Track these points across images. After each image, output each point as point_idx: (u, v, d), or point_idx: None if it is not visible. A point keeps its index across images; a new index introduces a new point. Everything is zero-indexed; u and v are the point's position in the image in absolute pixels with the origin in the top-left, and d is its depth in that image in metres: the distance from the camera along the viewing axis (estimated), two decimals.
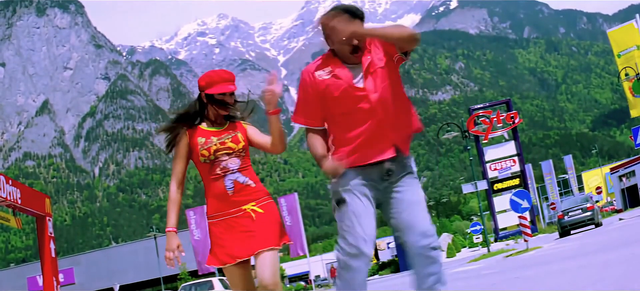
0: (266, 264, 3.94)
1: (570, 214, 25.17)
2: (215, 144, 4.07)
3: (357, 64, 3.69)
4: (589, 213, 25.04)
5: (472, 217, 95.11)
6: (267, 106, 3.95)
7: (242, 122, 4.23)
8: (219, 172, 4.06)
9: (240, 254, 4.00)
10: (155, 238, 47.11)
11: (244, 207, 4.04)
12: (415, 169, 3.87)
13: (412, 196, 3.70)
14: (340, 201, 3.64)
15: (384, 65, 3.69)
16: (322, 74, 3.73)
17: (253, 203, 4.07)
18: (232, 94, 4.16)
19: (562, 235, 24.80)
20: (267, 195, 4.17)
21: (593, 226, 25.34)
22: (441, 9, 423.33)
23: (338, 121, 3.71)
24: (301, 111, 3.81)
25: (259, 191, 4.11)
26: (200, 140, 4.08)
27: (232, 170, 4.07)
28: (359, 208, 3.62)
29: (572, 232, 25.18)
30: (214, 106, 4.12)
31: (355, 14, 3.68)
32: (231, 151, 4.09)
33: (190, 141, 4.11)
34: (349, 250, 3.58)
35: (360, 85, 3.63)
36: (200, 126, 4.16)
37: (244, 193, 4.07)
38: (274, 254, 3.99)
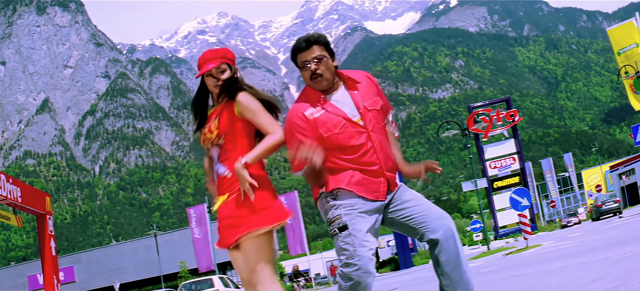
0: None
1: (606, 204, 36.90)
2: (204, 133, 3.84)
3: (338, 97, 3.73)
4: (616, 205, 36.38)
5: (472, 215, 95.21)
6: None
7: (237, 98, 3.78)
8: (213, 162, 3.90)
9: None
10: (155, 236, 47.17)
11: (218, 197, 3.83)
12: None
13: (413, 195, 3.78)
14: (343, 228, 3.60)
15: (379, 108, 3.78)
16: (314, 112, 3.68)
17: (225, 196, 3.77)
18: (218, 69, 3.80)
19: (596, 219, 37.02)
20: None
21: (618, 213, 34.77)
22: (441, 7, 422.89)
23: (335, 153, 3.69)
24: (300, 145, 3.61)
25: (234, 182, 3.72)
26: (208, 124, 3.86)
27: (216, 161, 3.85)
28: (362, 228, 3.60)
29: (601, 218, 36.37)
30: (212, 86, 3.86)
31: (317, 41, 3.71)
32: (210, 141, 3.84)
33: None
34: (358, 273, 3.55)
35: (356, 119, 3.67)
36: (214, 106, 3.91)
37: (223, 184, 3.79)
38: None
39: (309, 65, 3.67)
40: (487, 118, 43.37)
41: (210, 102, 3.89)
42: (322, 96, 3.69)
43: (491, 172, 43.61)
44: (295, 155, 3.55)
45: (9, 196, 14.59)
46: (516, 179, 43.26)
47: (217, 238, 3.77)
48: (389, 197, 3.74)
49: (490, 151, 44.37)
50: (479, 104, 46.96)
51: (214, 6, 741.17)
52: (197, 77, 3.87)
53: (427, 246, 4.20)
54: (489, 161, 44.01)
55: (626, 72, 29.27)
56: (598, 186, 65.77)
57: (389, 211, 3.75)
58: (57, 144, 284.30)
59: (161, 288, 44.63)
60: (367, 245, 3.58)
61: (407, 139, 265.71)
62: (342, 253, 3.60)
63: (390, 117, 3.93)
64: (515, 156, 44.02)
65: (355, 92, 3.73)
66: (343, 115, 3.66)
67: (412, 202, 3.73)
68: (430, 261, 3.67)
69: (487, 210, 45.16)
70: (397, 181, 3.80)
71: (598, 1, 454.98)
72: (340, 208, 3.62)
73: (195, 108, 3.89)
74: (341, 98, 3.72)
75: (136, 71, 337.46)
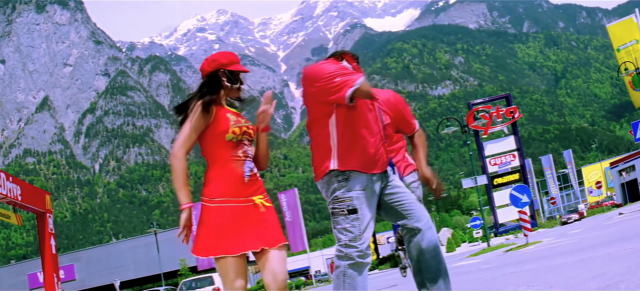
0: (282, 259, 3.84)
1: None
2: (243, 126, 3.87)
3: None
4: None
5: (472, 212, 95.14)
6: (259, 123, 3.91)
7: None
8: (241, 155, 3.85)
9: (253, 245, 3.80)
10: (155, 234, 47.19)
11: (253, 198, 3.83)
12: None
13: (402, 183, 4.02)
14: (353, 211, 3.75)
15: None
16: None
17: (261, 196, 3.88)
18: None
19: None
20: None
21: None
22: (440, 3, 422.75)
23: (348, 118, 3.80)
24: (351, 74, 3.77)
25: (263, 185, 3.95)
26: (231, 117, 3.86)
27: (251, 157, 3.90)
28: (368, 215, 3.79)
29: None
30: (232, 84, 3.92)
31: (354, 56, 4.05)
32: (251, 139, 3.94)
33: (217, 113, 3.83)
34: (360, 256, 3.75)
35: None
36: (223, 104, 3.93)
37: (256, 184, 3.88)
38: (285, 251, 3.90)
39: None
40: (486, 115, 43.38)
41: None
42: None
43: (491, 169, 43.62)
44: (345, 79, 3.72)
45: (9, 195, 14.60)
46: (516, 176, 43.27)
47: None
48: (388, 174, 3.95)
49: (490, 148, 44.36)
50: (478, 100, 46.93)
51: (214, 4, 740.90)
52: (242, 71, 3.97)
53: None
54: (489, 158, 44.01)
55: (626, 69, 29.27)
56: (598, 182, 65.79)
57: (384, 193, 3.92)
58: (57, 143, 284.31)
59: (161, 285, 44.67)
60: (370, 230, 3.79)
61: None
62: (345, 233, 3.76)
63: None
64: (515, 153, 44.03)
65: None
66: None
67: (403, 189, 3.97)
68: (409, 258, 3.99)
69: (487, 207, 45.18)
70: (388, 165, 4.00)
71: None
72: (352, 191, 3.76)
73: (210, 90, 3.99)
74: None
75: (136, 68, 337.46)
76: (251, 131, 3.92)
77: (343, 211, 3.76)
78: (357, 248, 3.73)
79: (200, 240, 3.78)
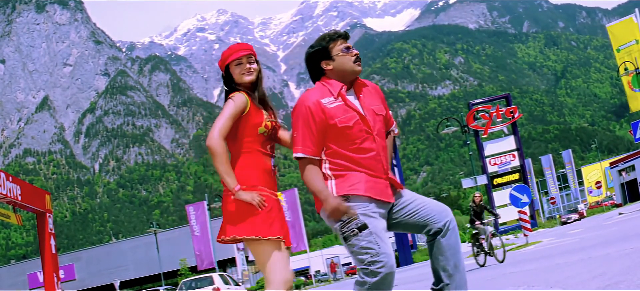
0: (289, 260, 4.08)
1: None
2: (272, 122, 3.94)
3: (350, 97, 3.78)
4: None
5: None
6: None
7: None
8: (269, 150, 3.94)
9: (288, 238, 3.92)
10: (155, 233, 47.18)
11: (276, 193, 3.91)
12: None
13: (411, 194, 3.83)
14: (363, 227, 3.55)
15: (383, 115, 3.84)
16: (332, 102, 3.71)
17: (280, 194, 3.97)
18: (249, 56, 4.04)
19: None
20: None
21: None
22: (440, 3, 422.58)
23: (342, 149, 3.69)
24: (308, 141, 3.69)
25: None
26: (264, 112, 3.92)
27: (274, 154, 4.01)
28: (379, 226, 3.61)
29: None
30: (237, 82, 3.97)
31: (346, 36, 3.85)
32: (276, 136, 4.00)
33: (251, 106, 3.88)
34: (383, 270, 3.52)
35: (368, 117, 3.72)
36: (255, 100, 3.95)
37: (275, 180, 3.97)
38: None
39: (353, 50, 3.78)
40: (486, 115, 43.36)
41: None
42: (343, 87, 3.74)
43: (491, 169, 43.58)
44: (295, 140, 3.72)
45: (8, 195, 14.60)
46: (516, 176, 43.22)
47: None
48: (395, 200, 3.76)
49: (489, 148, 44.30)
50: (478, 100, 46.88)
51: (214, 4, 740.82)
52: (234, 58, 4.05)
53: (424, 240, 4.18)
54: (489, 158, 43.97)
55: (626, 69, 29.26)
56: (598, 182, 65.80)
57: (393, 212, 3.77)
58: (57, 142, 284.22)
59: (161, 285, 44.65)
60: (387, 241, 3.59)
61: (407, 136, 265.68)
62: (365, 252, 3.55)
63: (395, 130, 4.04)
64: (515, 153, 44.00)
65: (361, 95, 3.79)
66: (358, 111, 3.69)
67: (412, 198, 3.79)
68: (429, 257, 3.82)
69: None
70: (400, 183, 3.82)
71: None
72: (355, 208, 3.59)
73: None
74: (353, 98, 3.78)
75: (136, 68, 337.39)
76: (277, 129, 3.99)
77: (353, 231, 3.56)
78: (381, 262, 3.51)
79: (250, 221, 3.74)
